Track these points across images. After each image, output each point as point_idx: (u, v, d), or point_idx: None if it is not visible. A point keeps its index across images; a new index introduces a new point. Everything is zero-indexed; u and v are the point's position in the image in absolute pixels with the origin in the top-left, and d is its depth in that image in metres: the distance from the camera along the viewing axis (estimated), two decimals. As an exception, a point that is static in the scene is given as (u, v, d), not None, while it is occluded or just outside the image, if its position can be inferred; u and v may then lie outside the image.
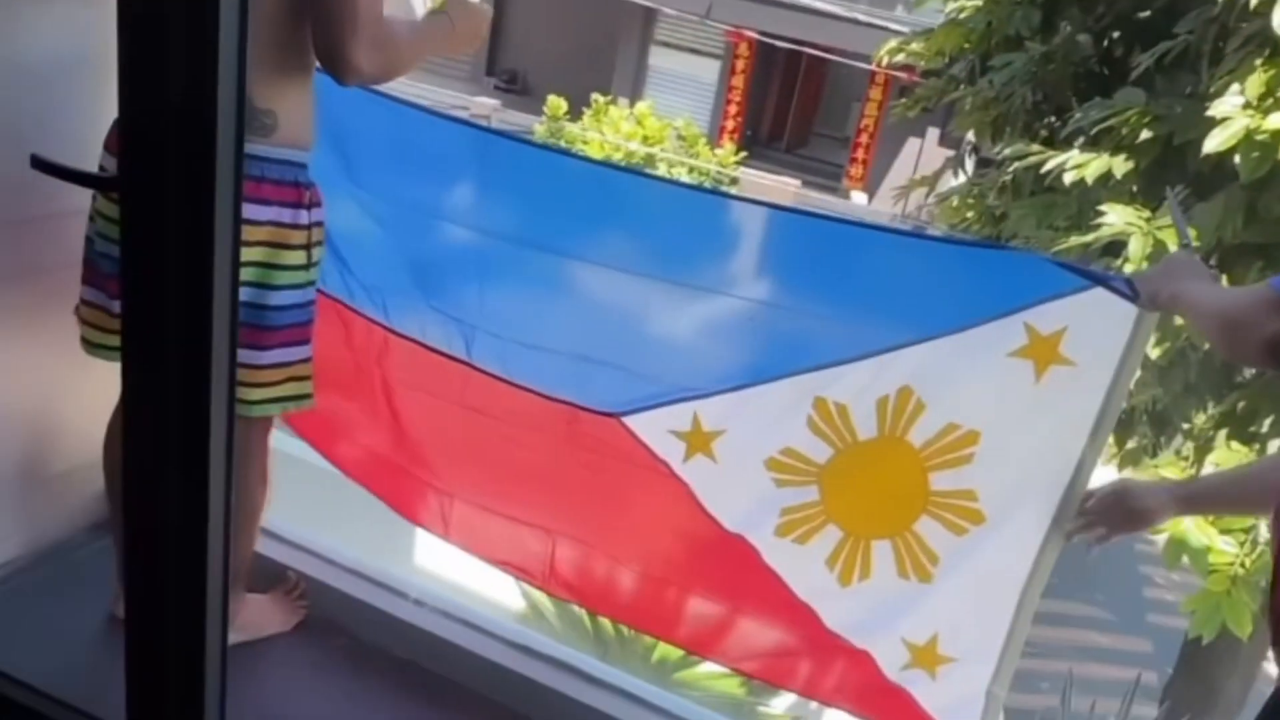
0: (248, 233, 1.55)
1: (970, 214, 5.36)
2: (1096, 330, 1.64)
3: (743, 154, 14.05)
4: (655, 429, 1.91)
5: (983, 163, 6.09)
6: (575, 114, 13.59)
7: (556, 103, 13.64)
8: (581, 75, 15.66)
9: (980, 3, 5.42)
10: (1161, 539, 3.71)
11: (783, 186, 13.23)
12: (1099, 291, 1.63)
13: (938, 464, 1.76)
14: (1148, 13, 4.74)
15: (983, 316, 1.69)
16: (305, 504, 2.22)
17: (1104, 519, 1.70)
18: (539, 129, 13.78)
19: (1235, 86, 3.73)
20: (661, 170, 12.93)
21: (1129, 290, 1.62)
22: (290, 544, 2.15)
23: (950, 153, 6.52)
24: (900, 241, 1.83)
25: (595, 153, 12.94)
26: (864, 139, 16.01)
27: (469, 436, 2.09)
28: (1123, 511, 1.68)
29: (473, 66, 18.82)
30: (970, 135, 5.70)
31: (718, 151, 13.78)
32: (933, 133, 13.89)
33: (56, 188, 1.26)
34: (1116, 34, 4.91)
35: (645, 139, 13.16)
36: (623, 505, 2.04)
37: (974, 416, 1.73)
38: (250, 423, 1.72)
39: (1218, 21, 4.02)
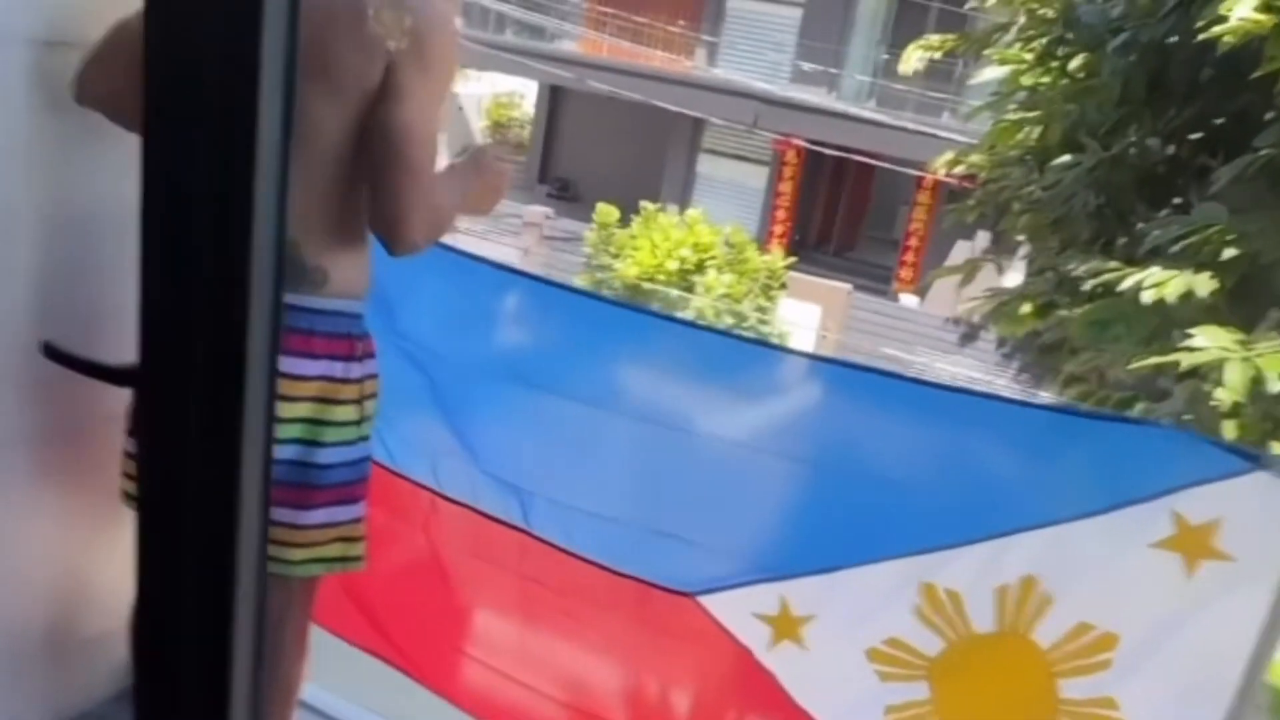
0: (295, 389, 1.46)
1: (1029, 319, 5.12)
2: (1259, 521, 1.41)
3: (792, 258, 13.99)
4: (736, 611, 1.71)
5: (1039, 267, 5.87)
6: (625, 220, 13.66)
7: (606, 210, 13.75)
8: (630, 183, 15.82)
9: (1036, 114, 5.28)
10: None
11: (833, 291, 13.10)
12: (1261, 475, 1.40)
13: (1068, 669, 1.53)
14: (1220, 120, 4.56)
15: (1119, 500, 1.47)
16: (351, 674, 2.04)
17: None
18: (589, 235, 13.85)
19: (1322, 206, 3.51)
20: (710, 274, 12.92)
21: None
22: (332, 720, 1.96)
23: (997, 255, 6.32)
24: (1021, 413, 1.63)
25: (645, 259, 12.96)
26: (913, 242, 15.93)
27: (526, 611, 1.90)
28: None
29: (526, 175, 19.13)
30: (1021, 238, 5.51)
31: (765, 257, 13.74)
32: (983, 235, 13.74)
33: (90, 348, 1.12)
34: (1190, 136, 4.71)
35: (696, 245, 13.14)
36: (701, 696, 1.83)
37: (1111, 616, 1.50)
38: (287, 585, 1.55)
39: (1300, 137, 3.82)
